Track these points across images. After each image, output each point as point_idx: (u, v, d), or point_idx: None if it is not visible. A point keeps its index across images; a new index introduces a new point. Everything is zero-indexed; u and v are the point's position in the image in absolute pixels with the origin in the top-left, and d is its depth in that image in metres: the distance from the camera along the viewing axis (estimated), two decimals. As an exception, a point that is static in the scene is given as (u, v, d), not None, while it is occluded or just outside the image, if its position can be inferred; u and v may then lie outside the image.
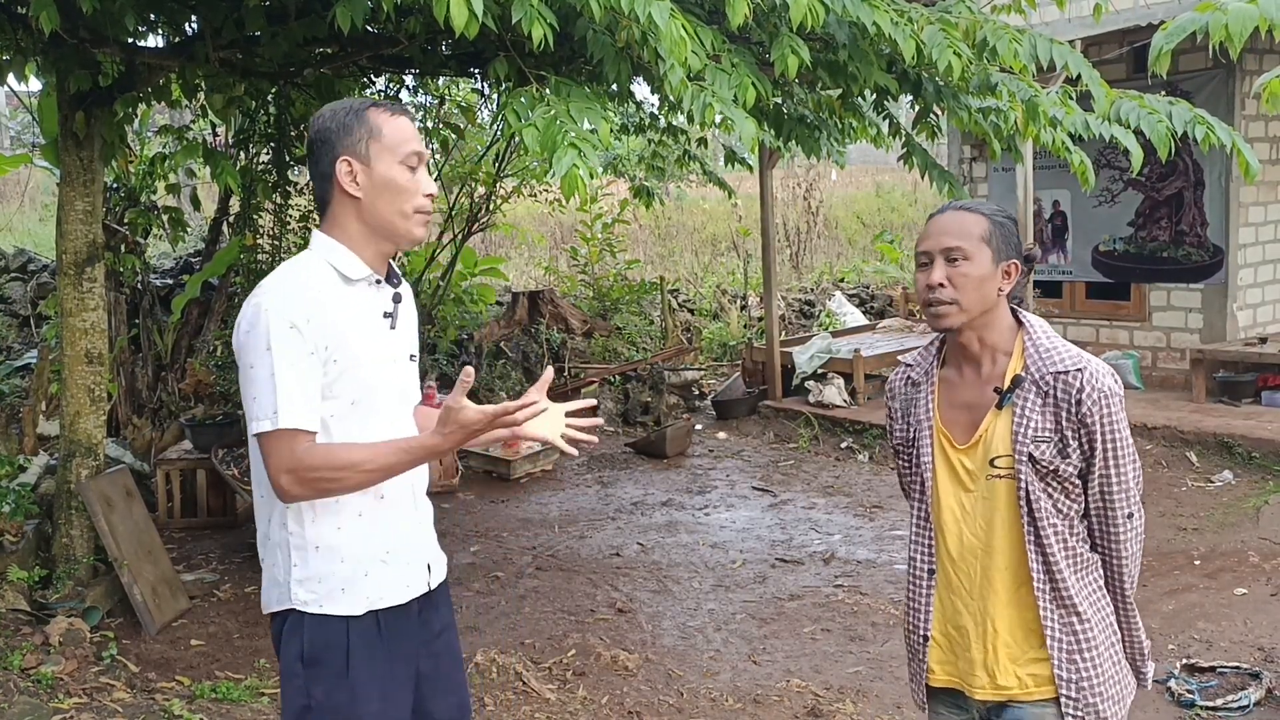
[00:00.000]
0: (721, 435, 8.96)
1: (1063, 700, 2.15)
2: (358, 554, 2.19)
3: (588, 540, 6.56)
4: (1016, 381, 2.15)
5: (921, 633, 2.30)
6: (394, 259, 2.34)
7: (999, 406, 2.17)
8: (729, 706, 4.33)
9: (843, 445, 8.33)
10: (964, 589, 2.24)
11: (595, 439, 2.39)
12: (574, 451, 2.37)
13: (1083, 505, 2.17)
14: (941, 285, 2.16)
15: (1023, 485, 2.14)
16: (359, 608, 2.20)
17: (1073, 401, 2.11)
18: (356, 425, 2.17)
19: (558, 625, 5.24)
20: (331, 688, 2.17)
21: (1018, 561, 2.17)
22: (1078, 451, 2.12)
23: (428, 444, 2.11)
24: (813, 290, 13.28)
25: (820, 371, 9.03)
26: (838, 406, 8.71)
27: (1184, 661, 4.51)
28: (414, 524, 2.32)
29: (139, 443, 7.41)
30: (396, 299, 2.27)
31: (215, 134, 8.14)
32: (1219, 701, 4.17)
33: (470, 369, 2.07)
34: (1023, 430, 2.14)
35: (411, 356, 2.34)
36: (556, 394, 9.79)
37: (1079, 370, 2.12)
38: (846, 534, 6.54)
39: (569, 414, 2.43)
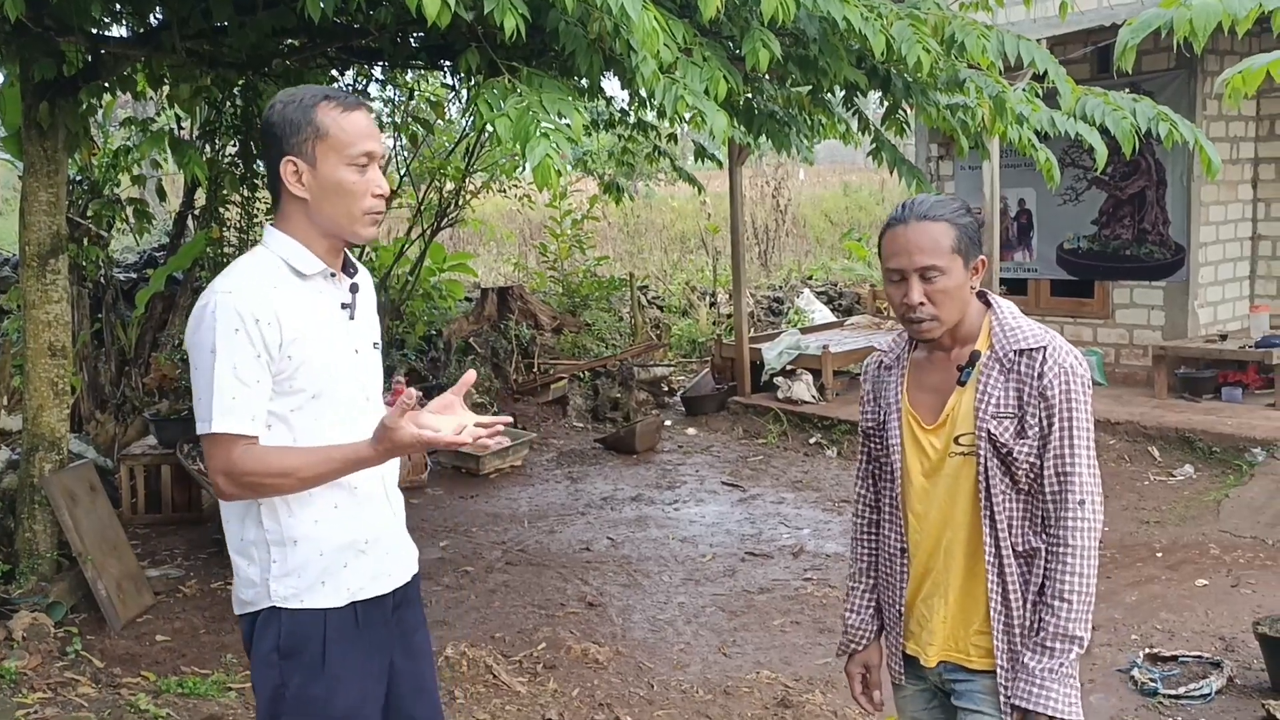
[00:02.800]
0: (691, 431, 8.99)
1: (998, 671, 2.20)
2: (337, 545, 2.21)
3: (557, 535, 6.56)
4: (973, 357, 2.20)
5: (897, 608, 2.36)
6: (357, 251, 2.33)
7: (960, 383, 2.21)
8: (699, 698, 4.35)
9: (811, 441, 8.37)
10: (930, 563, 2.29)
11: (503, 441, 2.37)
12: (486, 446, 2.31)
13: (1039, 493, 2.18)
14: (921, 304, 2.18)
15: (982, 461, 2.18)
16: (340, 599, 2.21)
17: (1035, 376, 2.15)
18: (315, 418, 2.18)
19: (528, 619, 5.23)
20: (308, 679, 2.18)
21: (974, 537, 2.22)
22: (1035, 430, 2.14)
23: (359, 455, 2.11)
24: (781, 288, 13.33)
25: (789, 368, 9.06)
26: (806, 402, 8.75)
27: (1147, 651, 4.57)
28: (389, 515, 2.33)
29: (102, 438, 7.33)
30: (354, 289, 2.27)
31: (180, 126, 8.06)
32: (1181, 690, 4.23)
33: (414, 393, 2.05)
34: (984, 406, 2.18)
35: (375, 344, 2.33)
36: (525, 390, 9.76)
37: (1042, 347, 2.17)
38: (815, 528, 6.58)
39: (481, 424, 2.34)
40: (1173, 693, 4.23)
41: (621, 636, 5.02)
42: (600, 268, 12.14)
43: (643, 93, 6.34)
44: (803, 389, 8.82)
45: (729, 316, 11.46)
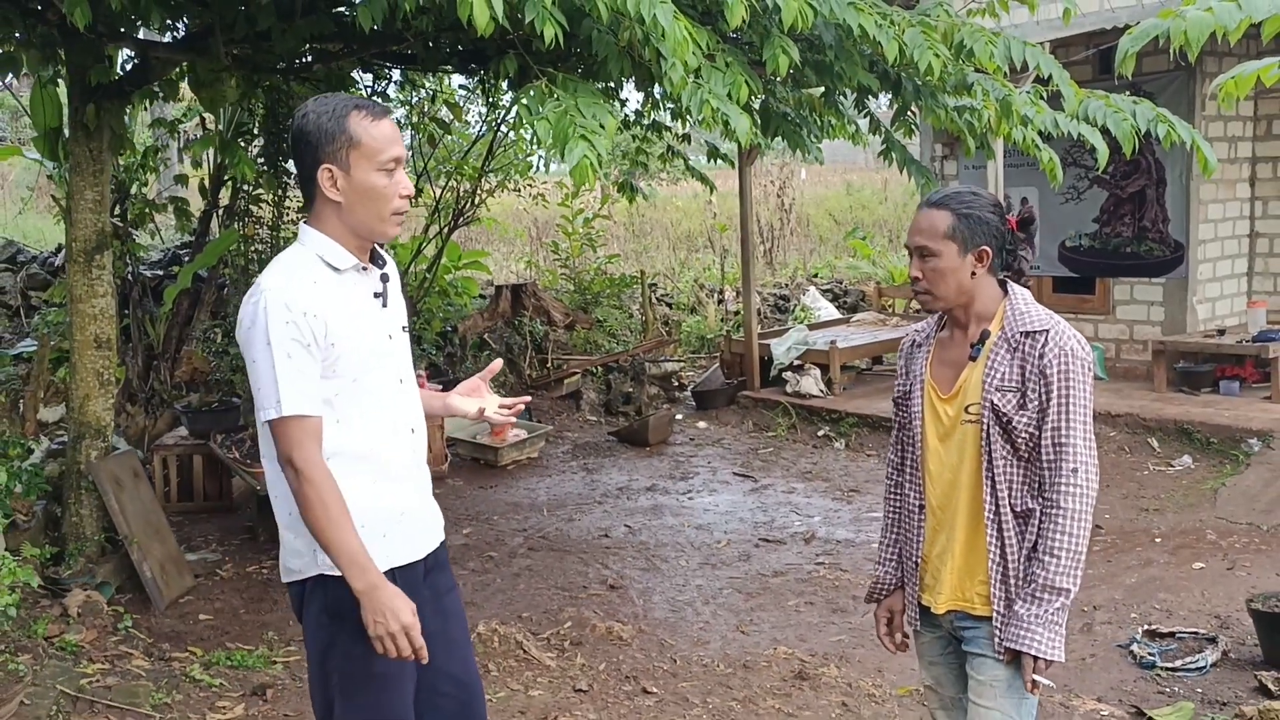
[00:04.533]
0: (701, 424, 9.20)
1: (994, 616, 2.44)
2: (376, 517, 2.40)
3: (576, 523, 6.78)
4: (984, 336, 2.46)
5: (915, 559, 2.60)
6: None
7: (972, 359, 2.47)
8: (720, 671, 4.57)
9: (819, 433, 8.59)
10: (942, 519, 2.54)
11: (519, 434, 2.71)
12: (503, 419, 2.73)
13: (1039, 460, 2.41)
14: (917, 279, 2.51)
15: (985, 427, 2.42)
16: (380, 566, 2.38)
17: (1037, 356, 2.40)
18: (355, 401, 2.38)
19: (553, 600, 5.46)
20: (353, 638, 2.37)
21: (978, 497, 2.46)
22: (1035, 404, 2.39)
23: (360, 574, 2.27)
24: (787, 285, 13.56)
25: (797, 363, 9.28)
26: (814, 396, 8.96)
27: (1146, 628, 4.79)
28: (419, 488, 2.54)
29: (132, 430, 7.54)
30: (384, 279, 2.47)
31: (206, 128, 8.28)
32: (1178, 663, 4.45)
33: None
34: (991, 379, 2.43)
35: (403, 328, 2.55)
36: (539, 384, 9.98)
37: (1045, 330, 2.42)
38: (826, 516, 6.80)
39: (503, 404, 2.74)
40: (1170, 666, 4.45)
41: (643, 616, 5.24)
42: (611, 265, 12.36)
43: (657, 93, 6.57)
44: (811, 383, 9.04)
45: (736, 313, 11.67)
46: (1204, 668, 4.42)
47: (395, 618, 2.28)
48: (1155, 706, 4.12)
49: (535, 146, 9.42)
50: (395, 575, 2.42)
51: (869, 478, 7.53)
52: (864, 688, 4.37)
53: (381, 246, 2.52)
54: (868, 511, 6.82)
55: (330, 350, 2.32)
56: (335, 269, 2.37)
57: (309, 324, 2.28)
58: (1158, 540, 6.06)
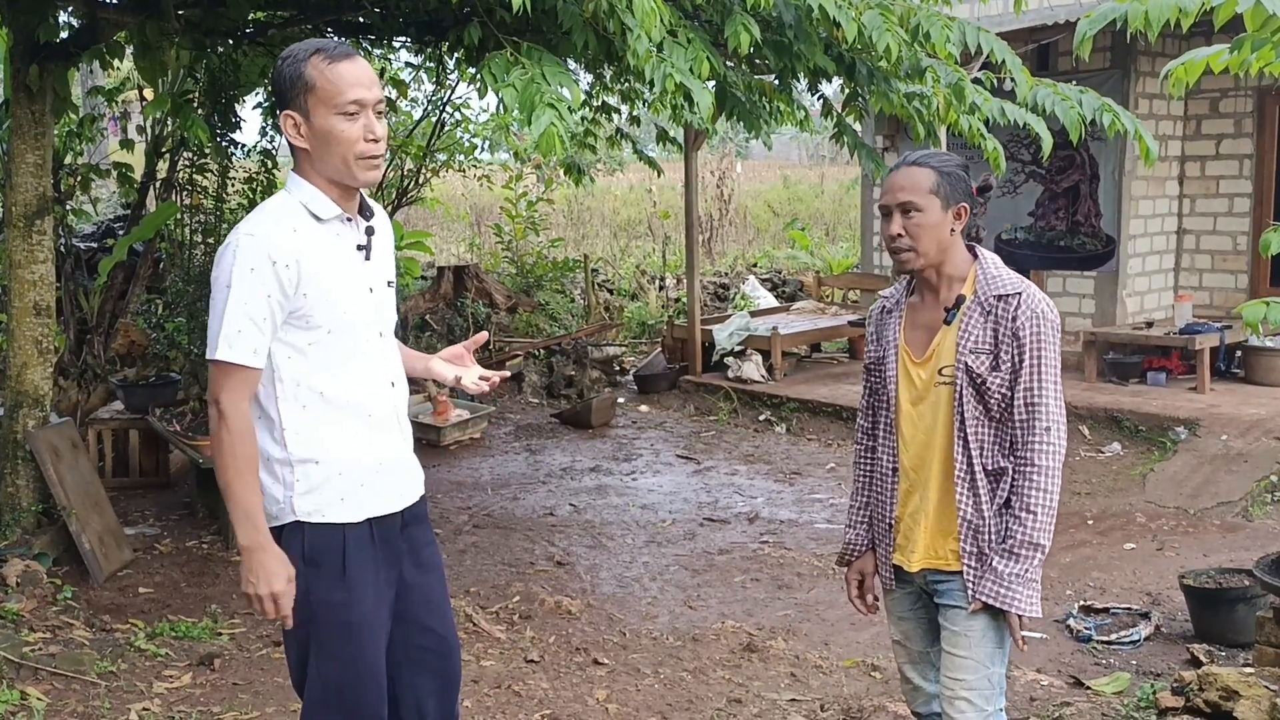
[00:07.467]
0: (643, 408, 9.25)
1: (965, 570, 2.51)
2: (355, 466, 2.40)
3: (521, 501, 6.78)
4: (959, 300, 2.51)
5: (888, 520, 2.64)
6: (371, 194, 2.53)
7: (947, 323, 2.52)
8: (670, 644, 4.61)
9: (761, 418, 8.68)
10: (915, 481, 2.59)
11: (492, 384, 2.74)
12: (483, 388, 2.73)
13: (1009, 420, 2.47)
14: (900, 235, 2.50)
15: (959, 388, 2.48)
16: (358, 515, 2.41)
17: (1009, 318, 2.45)
18: (331, 350, 2.37)
19: (500, 576, 5.46)
20: (330, 586, 2.38)
21: (950, 456, 2.52)
22: (1008, 365, 2.45)
23: (248, 528, 2.30)
24: (727, 274, 13.65)
25: (739, 348, 9.36)
26: (756, 382, 9.05)
27: (1081, 604, 4.94)
28: (399, 440, 2.52)
29: (64, 405, 7.37)
30: (369, 232, 2.44)
31: (143, 97, 8.09)
32: (1113, 637, 4.60)
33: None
34: (964, 342, 2.48)
35: (389, 283, 2.53)
36: (482, 366, 9.98)
37: (1017, 294, 2.48)
38: (769, 497, 6.88)
39: (484, 376, 2.76)
40: (1105, 639, 4.60)
41: (591, 591, 5.26)
42: (553, 250, 12.35)
43: (608, 75, 6.57)
44: (752, 369, 9.12)
45: (677, 300, 11.74)
46: (1138, 641, 4.57)
47: (267, 583, 2.30)
48: (1093, 677, 4.25)
49: (487, 124, 9.39)
50: (372, 526, 2.42)
51: (810, 461, 7.64)
52: (811, 659, 4.45)
53: (367, 197, 2.50)
54: (809, 493, 6.92)
55: (302, 300, 2.31)
56: (318, 218, 2.35)
57: (277, 273, 2.26)
58: (1090, 522, 6.24)
